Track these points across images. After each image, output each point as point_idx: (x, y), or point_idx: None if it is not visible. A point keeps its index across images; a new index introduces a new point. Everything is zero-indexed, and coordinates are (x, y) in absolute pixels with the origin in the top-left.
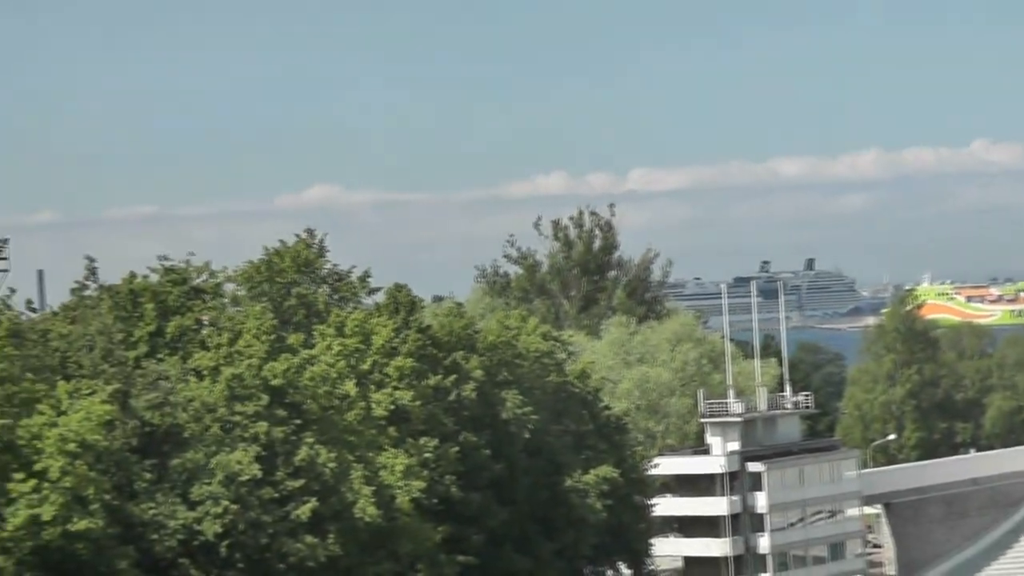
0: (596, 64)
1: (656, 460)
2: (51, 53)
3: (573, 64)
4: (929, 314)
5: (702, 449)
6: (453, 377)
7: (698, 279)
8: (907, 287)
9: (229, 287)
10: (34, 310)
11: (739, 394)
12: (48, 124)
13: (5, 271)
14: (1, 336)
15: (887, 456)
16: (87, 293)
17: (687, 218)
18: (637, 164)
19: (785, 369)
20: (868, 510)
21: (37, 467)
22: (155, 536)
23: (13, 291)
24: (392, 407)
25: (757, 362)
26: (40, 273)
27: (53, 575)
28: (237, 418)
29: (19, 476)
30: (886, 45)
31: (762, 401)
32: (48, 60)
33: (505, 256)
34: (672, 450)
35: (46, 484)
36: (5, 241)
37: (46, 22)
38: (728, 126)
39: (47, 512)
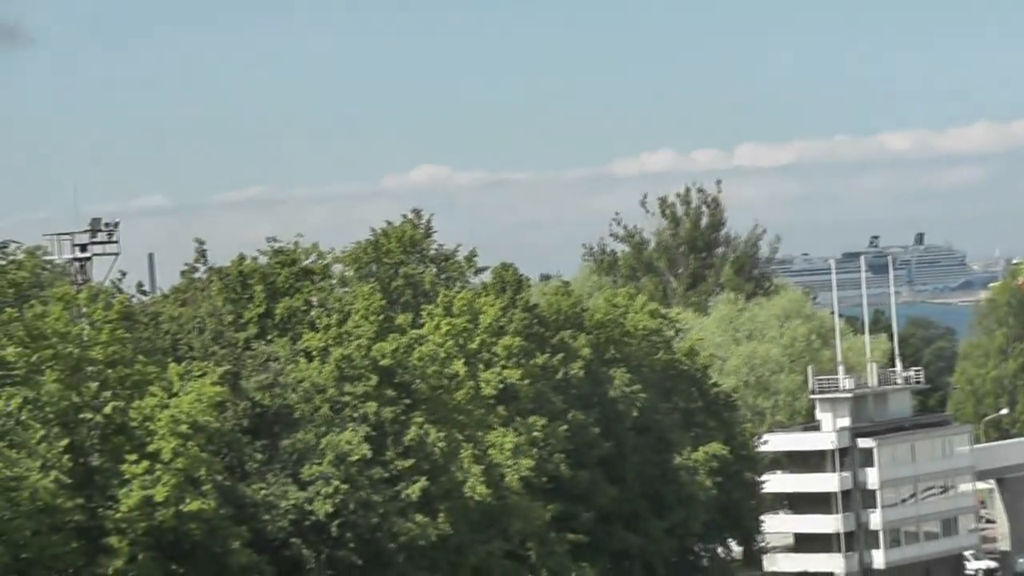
0: (702, 40)
1: (766, 437)
2: (159, 36)
3: (680, 40)
4: None
5: (812, 425)
6: (561, 356)
7: (806, 255)
8: (1018, 260)
9: (337, 268)
10: (145, 293)
11: (849, 370)
12: (156, 107)
13: (116, 254)
14: (113, 319)
15: (999, 431)
16: (197, 276)
17: (795, 193)
18: (744, 140)
19: (895, 344)
20: (981, 485)
21: (150, 449)
22: (267, 516)
23: (124, 274)
24: (500, 386)
25: (867, 337)
26: (150, 256)
27: (166, 556)
28: (347, 398)
29: (132, 458)
30: (993, 17)
31: (872, 377)
32: (156, 43)
33: (612, 234)
34: (782, 427)
35: (159, 465)
36: (116, 225)
37: (158, 4)
38: (835, 101)
39: (160, 493)
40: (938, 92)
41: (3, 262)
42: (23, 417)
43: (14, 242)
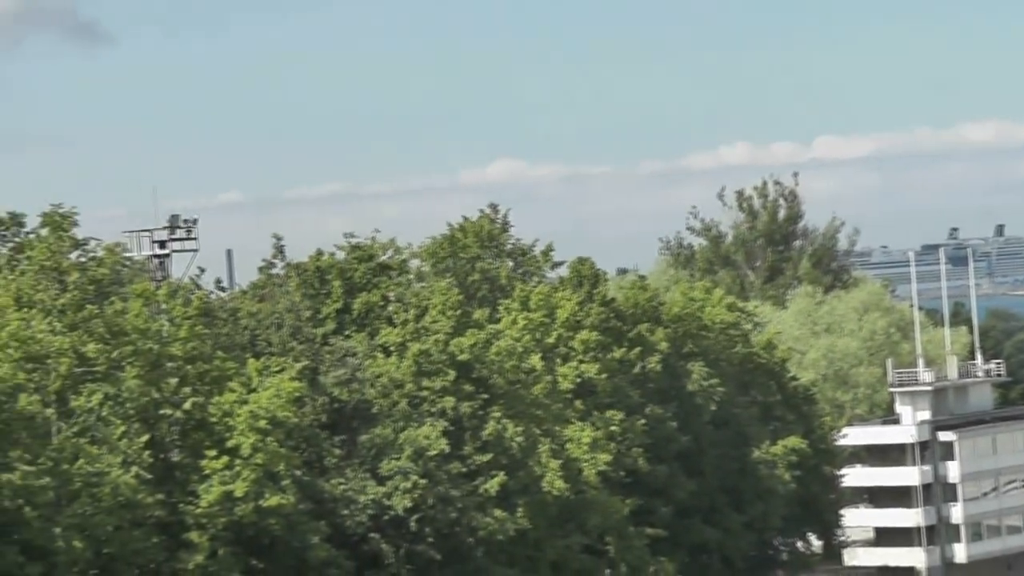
0: (779, 31)
1: (845, 430)
2: (235, 32)
3: (756, 31)
4: None
5: (892, 419)
6: (638, 350)
7: (885, 247)
8: None
9: (414, 263)
10: (223, 289)
11: (929, 363)
12: (234, 103)
13: (195, 251)
14: (192, 315)
15: None
16: (275, 271)
17: (873, 185)
18: (821, 132)
19: (976, 337)
20: None
21: (229, 444)
22: (345, 511)
23: (203, 271)
24: (578, 380)
25: (947, 330)
26: (229, 252)
27: (246, 551)
28: (424, 393)
29: (212, 453)
30: None
31: (952, 369)
32: (233, 39)
33: (689, 228)
34: (861, 420)
35: (238, 461)
36: (194, 221)
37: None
38: (913, 92)
39: (239, 488)
40: (1019, 82)
41: (83, 259)
42: (104, 413)
43: (94, 239)
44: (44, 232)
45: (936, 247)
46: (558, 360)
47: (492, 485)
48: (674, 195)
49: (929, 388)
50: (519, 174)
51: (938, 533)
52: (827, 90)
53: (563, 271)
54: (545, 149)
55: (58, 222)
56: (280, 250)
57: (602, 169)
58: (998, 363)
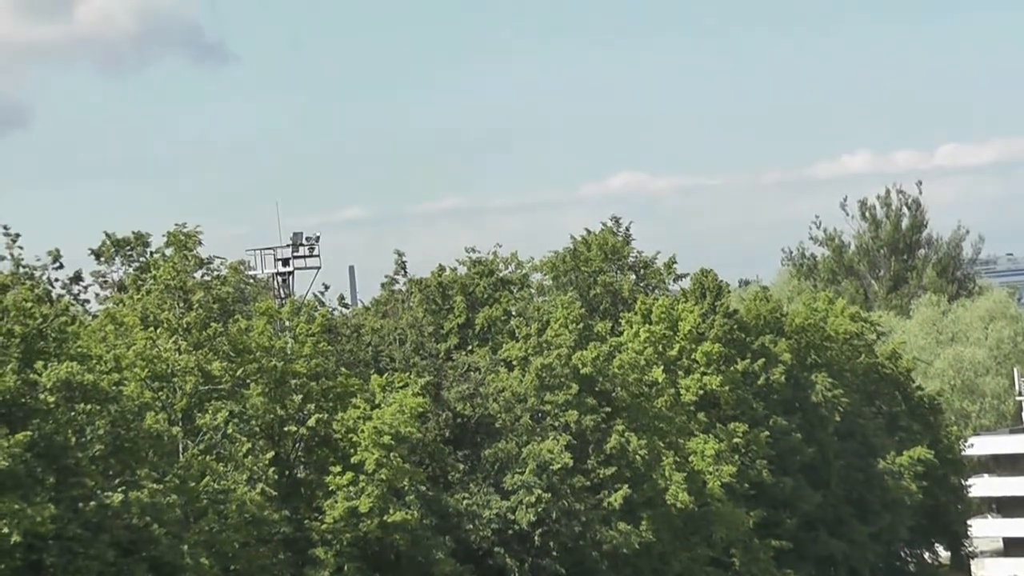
0: (902, 36)
1: (971, 440)
2: (352, 50)
3: (878, 38)
4: None
5: (1020, 428)
6: (761, 361)
7: (1011, 255)
8: None
9: (535, 277)
10: (346, 305)
11: None
12: (355, 118)
13: (318, 268)
14: (315, 332)
15: None
16: (397, 287)
17: (997, 193)
18: (945, 140)
19: None
20: None
21: (353, 460)
22: (470, 526)
23: (327, 287)
24: (701, 392)
25: None
26: (351, 269)
27: (372, 566)
28: (547, 407)
29: (336, 469)
30: None
31: None
32: (352, 54)
33: (811, 238)
34: (988, 430)
35: (362, 476)
36: (317, 238)
37: (346, 13)
38: None
39: (364, 504)
40: None
41: (208, 278)
42: (229, 431)
43: (218, 258)
44: (169, 252)
45: None
46: (680, 372)
47: (616, 498)
48: (796, 205)
49: None
50: (640, 186)
51: None
52: (951, 96)
53: (685, 283)
54: (666, 160)
55: (182, 241)
56: (402, 266)
57: (723, 180)
58: None
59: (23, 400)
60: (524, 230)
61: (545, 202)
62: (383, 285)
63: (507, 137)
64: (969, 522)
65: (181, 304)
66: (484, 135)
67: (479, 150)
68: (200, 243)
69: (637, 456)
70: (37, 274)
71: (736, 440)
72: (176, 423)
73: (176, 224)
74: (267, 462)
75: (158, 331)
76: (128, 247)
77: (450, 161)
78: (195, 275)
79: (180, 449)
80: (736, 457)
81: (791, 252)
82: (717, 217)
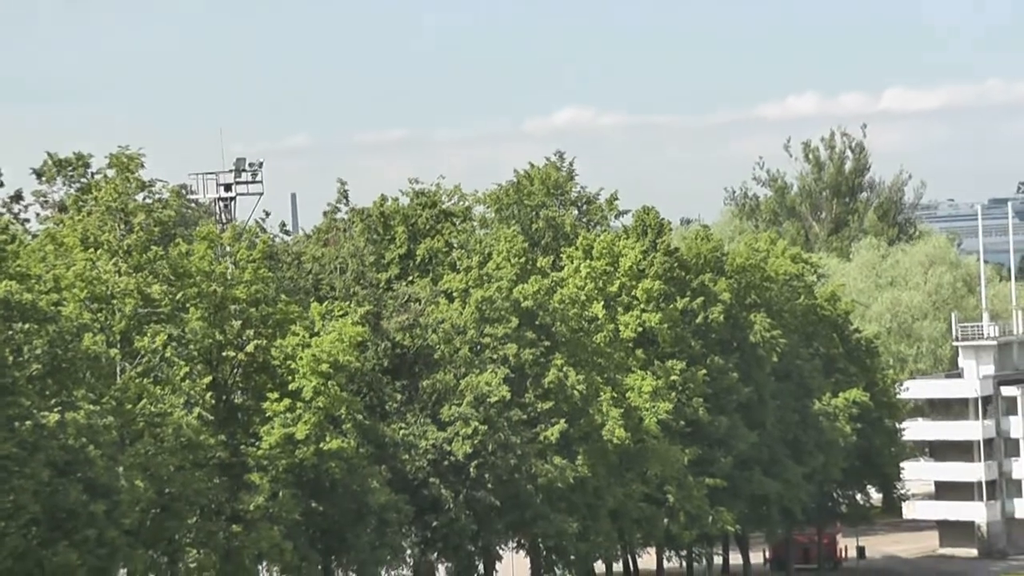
0: None
1: (907, 384)
2: None
3: None
4: None
5: (955, 373)
6: (701, 300)
7: (951, 200)
8: None
9: (478, 210)
10: (288, 233)
11: (994, 317)
12: (301, 47)
13: (260, 194)
14: (256, 259)
15: None
16: (339, 216)
17: (943, 138)
18: (892, 83)
19: None
20: None
21: (291, 387)
22: (406, 456)
23: (268, 214)
24: (640, 329)
25: (1013, 284)
26: (293, 196)
27: (306, 493)
28: (487, 340)
29: (273, 396)
30: None
31: (1018, 324)
32: None
33: (755, 179)
34: (924, 374)
35: (300, 404)
36: (260, 165)
37: None
38: (987, 44)
39: (301, 431)
40: None
41: (149, 201)
42: (168, 354)
43: (160, 181)
44: (111, 173)
45: (1004, 201)
46: (620, 309)
47: (552, 432)
48: (741, 145)
49: (993, 343)
50: (586, 122)
51: (999, 488)
52: (898, 40)
53: (628, 220)
54: (612, 97)
55: (124, 163)
56: (344, 195)
57: (669, 118)
58: None
59: None
60: (468, 163)
61: (490, 135)
62: (325, 214)
63: (454, 69)
64: (902, 465)
65: (122, 226)
66: (430, 67)
67: (425, 82)
68: (142, 166)
69: (575, 391)
70: None
71: (673, 378)
72: (114, 345)
73: (119, 146)
74: (204, 387)
75: (98, 253)
76: (70, 168)
77: (396, 92)
78: (137, 198)
79: (118, 371)
80: (673, 395)
81: (734, 192)
82: (662, 155)
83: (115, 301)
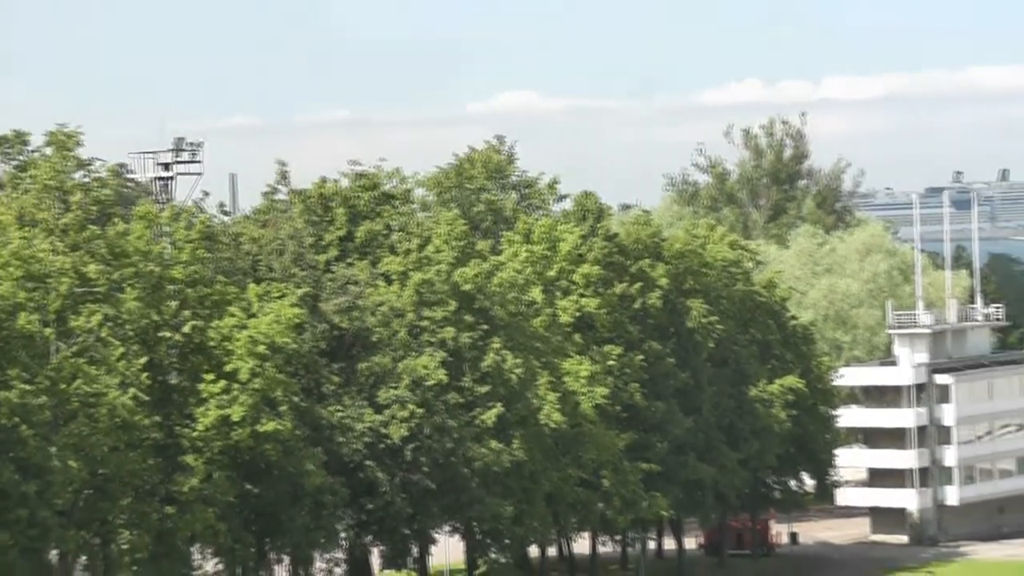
0: None
1: (842, 371)
2: None
3: None
4: None
5: (889, 361)
6: (639, 285)
7: (889, 189)
8: None
9: (419, 192)
10: (227, 213)
11: (929, 306)
12: (245, 26)
13: (199, 174)
14: (194, 239)
15: None
16: (278, 197)
17: (882, 127)
18: (833, 72)
19: (976, 281)
20: None
21: (227, 368)
22: (342, 439)
23: (206, 194)
24: (577, 314)
25: (948, 273)
26: (232, 177)
27: (242, 475)
28: (425, 323)
29: (210, 377)
30: None
31: (952, 313)
32: None
33: (695, 165)
34: (859, 361)
35: (236, 385)
36: (200, 144)
37: None
38: (926, 34)
39: (236, 413)
40: None
41: (87, 180)
42: (103, 334)
43: (99, 160)
44: (48, 151)
45: (940, 190)
46: (559, 293)
47: (489, 416)
48: (683, 131)
49: (928, 331)
50: (529, 106)
51: (931, 475)
52: (839, 28)
53: (567, 204)
54: (556, 81)
55: (63, 142)
56: (284, 176)
57: (613, 103)
58: (998, 307)
59: None
60: (411, 145)
61: (433, 118)
62: (264, 195)
63: (397, 51)
64: (835, 452)
65: (59, 205)
66: (375, 48)
67: (369, 63)
68: (81, 144)
69: (512, 375)
70: None
71: (610, 362)
72: (49, 324)
73: (57, 124)
74: (140, 367)
75: (34, 231)
76: (7, 145)
77: (339, 73)
78: (74, 176)
79: (52, 351)
80: (610, 379)
81: (674, 178)
82: (605, 141)
83: (51, 280)
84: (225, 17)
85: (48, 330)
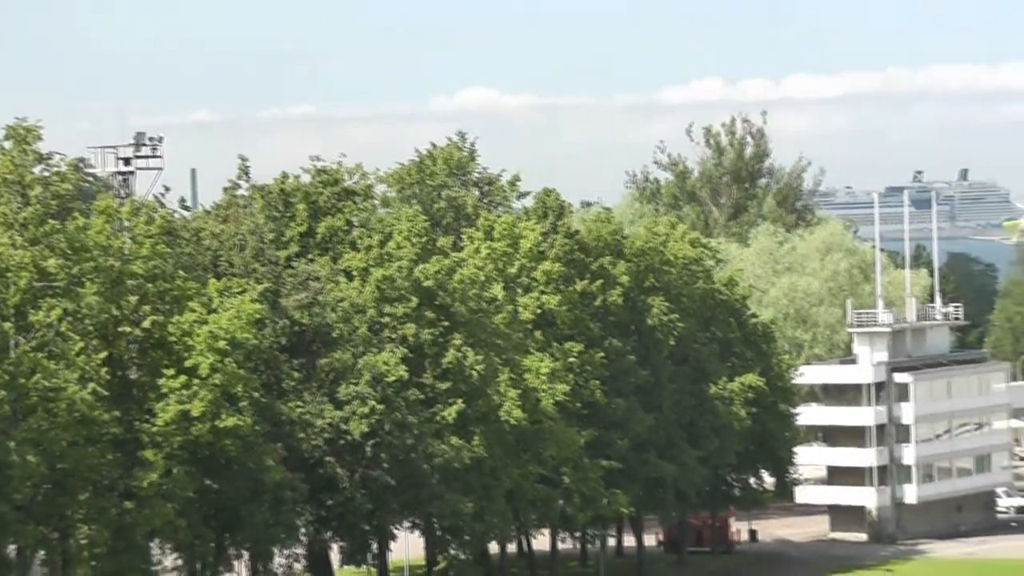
0: None
1: (802, 369)
2: None
3: None
4: None
5: (849, 359)
6: (600, 282)
7: (849, 188)
8: None
9: (380, 189)
10: (187, 208)
11: (888, 304)
12: (207, 22)
13: (160, 169)
14: (154, 234)
15: None
16: (239, 192)
17: (843, 126)
18: (794, 70)
19: (936, 280)
20: (1016, 423)
21: (187, 364)
22: (302, 435)
23: (167, 189)
24: (538, 311)
25: (908, 272)
26: (193, 172)
27: (201, 470)
28: (386, 319)
29: (170, 372)
30: None
31: (911, 312)
32: None
33: (656, 162)
34: (819, 360)
35: (196, 381)
36: (160, 139)
37: None
38: (887, 33)
39: (196, 408)
40: (992, 27)
41: (47, 174)
42: (62, 329)
43: (58, 153)
44: (7, 145)
45: (900, 189)
46: (520, 290)
47: (450, 412)
48: (645, 129)
49: (887, 329)
50: (490, 103)
51: (890, 473)
52: (801, 27)
53: (529, 202)
54: (518, 78)
55: (22, 135)
56: (245, 171)
57: (574, 100)
58: (957, 306)
59: None
60: (373, 141)
61: (395, 114)
62: (225, 190)
63: (359, 46)
64: (795, 449)
65: (18, 199)
66: (337, 44)
67: (331, 59)
68: (40, 138)
69: (473, 372)
70: None
71: (571, 360)
72: (8, 319)
73: (16, 118)
74: (100, 362)
75: None
76: None
77: (302, 68)
78: (34, 170)
79: (11, 345)
80: (570, 376)
81: (635, 175)
82: (568, 137)
83: (10, 274)
84: (187, 11)
85: (7, 324)
